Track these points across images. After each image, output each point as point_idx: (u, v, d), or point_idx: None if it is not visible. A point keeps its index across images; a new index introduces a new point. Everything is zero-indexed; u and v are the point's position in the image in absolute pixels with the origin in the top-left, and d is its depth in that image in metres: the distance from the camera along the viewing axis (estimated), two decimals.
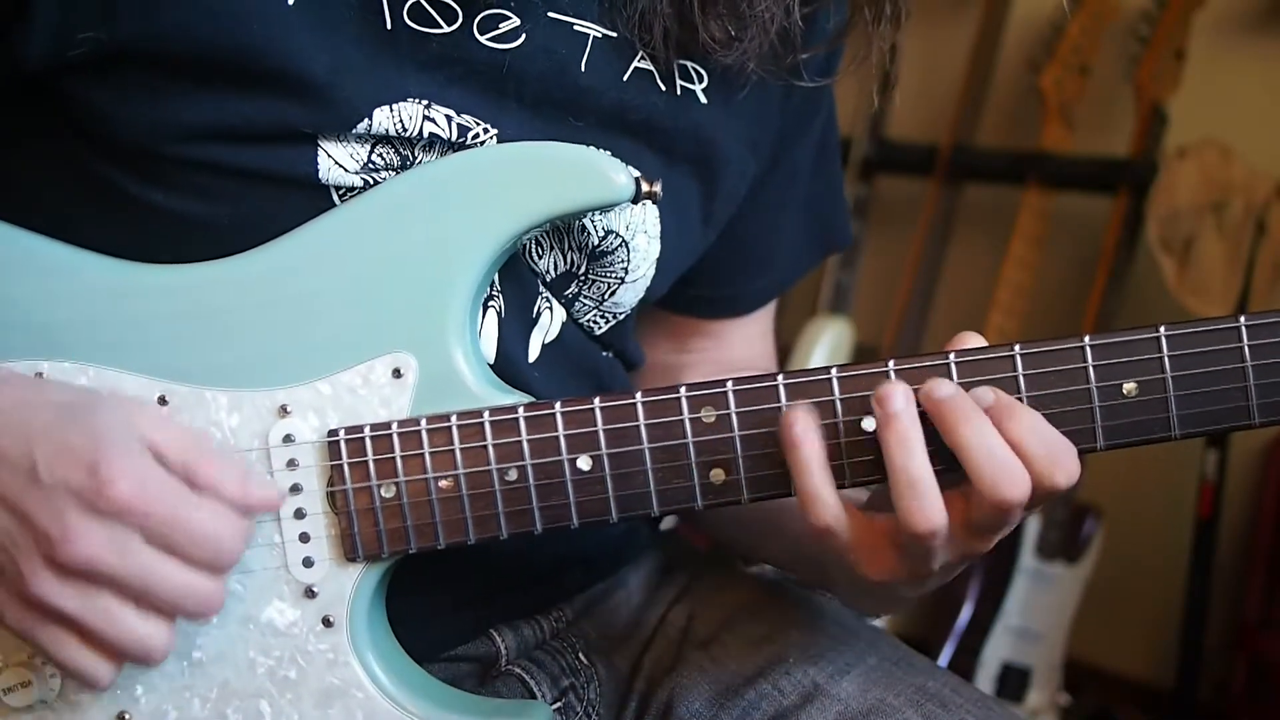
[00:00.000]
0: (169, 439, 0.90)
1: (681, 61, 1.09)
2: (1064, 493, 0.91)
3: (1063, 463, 0.90)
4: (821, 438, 0.91)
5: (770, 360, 1.40)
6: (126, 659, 0.91)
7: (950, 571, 0.97)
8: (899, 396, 0.90)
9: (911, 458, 0.89)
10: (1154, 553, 2.92)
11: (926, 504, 0.89)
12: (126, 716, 0.98)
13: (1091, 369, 0.93)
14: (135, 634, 0.89)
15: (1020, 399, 0.93)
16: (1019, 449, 0.89)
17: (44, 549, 0.86)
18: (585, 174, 0.98)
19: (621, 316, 1.17)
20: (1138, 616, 3.00)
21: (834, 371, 0.94)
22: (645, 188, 0.99)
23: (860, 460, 0.94)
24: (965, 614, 2.70)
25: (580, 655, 1.21)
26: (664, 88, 1.09)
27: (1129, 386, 0.93)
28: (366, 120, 0.98)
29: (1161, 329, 0.93)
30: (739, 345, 1.35)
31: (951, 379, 0.93)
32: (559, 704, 1.16)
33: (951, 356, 0.94)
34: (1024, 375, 0.93)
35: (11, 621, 0.89)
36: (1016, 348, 0.93)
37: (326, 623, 0.99)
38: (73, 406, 0.90)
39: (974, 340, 0.96)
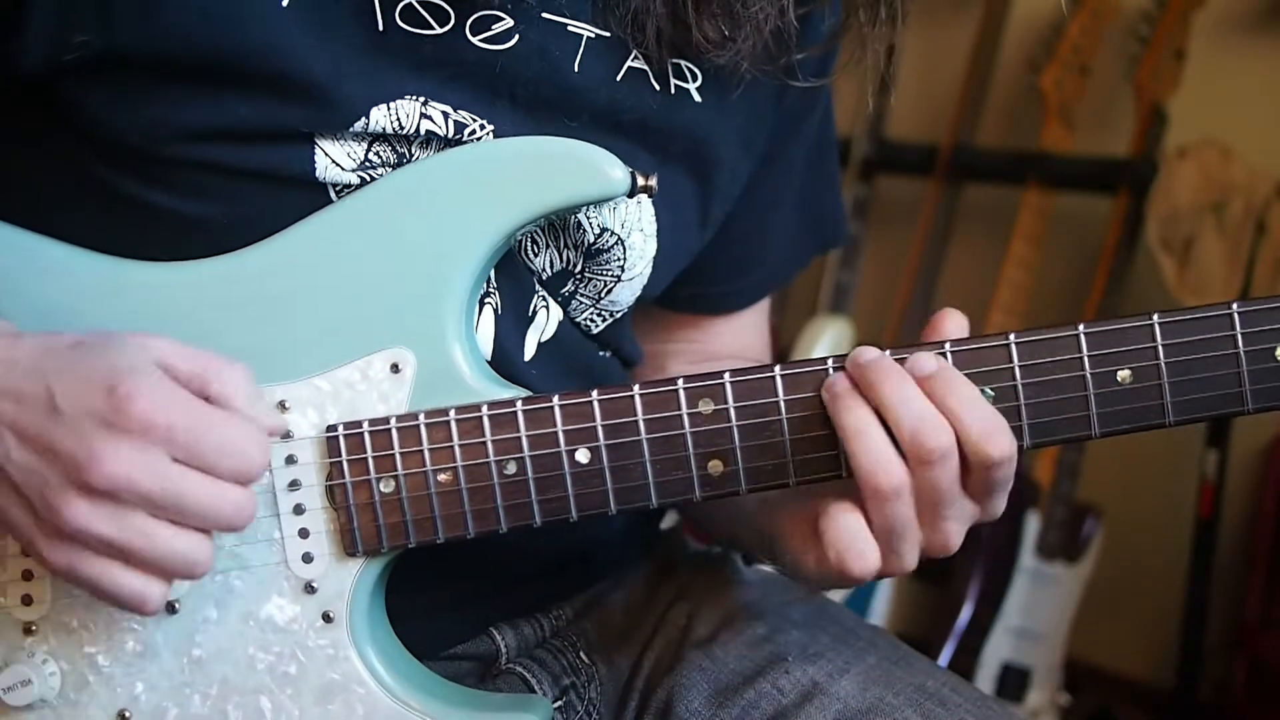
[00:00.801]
0: (179, 359, 0.89)
1: (675, 60, 1.09)
2: (999, 468, 0.92)
3: (995, 437, 0.91)
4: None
5: (763, 352, 1.40)
6: (171, 575, 0.90)
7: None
8: (841, 380, 0.93)
9: (860, 418, 0.91)
10: (1154, 553, 2.92)
11: (884, 458, 0.91)
12: (127, 714, 0.98)
13: (1086, 357, 0.94)
14: (175, 548, 0.88)
15: (1016, 387, 0.94)
16: (952, 416, 0.91)
17: (72, 476, 0.85)
18: (581, 168, 0.98)
19: (618, 315, 1.17)
20: (1138, 616, 3.00)
21: (830, 363, 0.95)
22: (641, 181, 0.99)
23: None
24: (965, 614, 2.70)
25: (581, 654, 1.21)
26: (658, 87, 1.09)
27: (1123, 374, 0.94)
28: (364, 119, 0.98)
29: (1155, 316, 0.93)
30: (729, 337, 1.35)
31: None
32: (560, 702, 1.16)
33: (948, 345, 0.94)
34: (1019, 364, 0.94)
35: (54, 561, 0.88)
36: (1012, 336, 0.94)
37: (326, 618, 0.99)
38: (84, 344, 0.89)
39: (955, 317, 0.97)
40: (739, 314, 1.35)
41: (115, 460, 0.85)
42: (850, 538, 0.92)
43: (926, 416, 0.90)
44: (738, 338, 1.35)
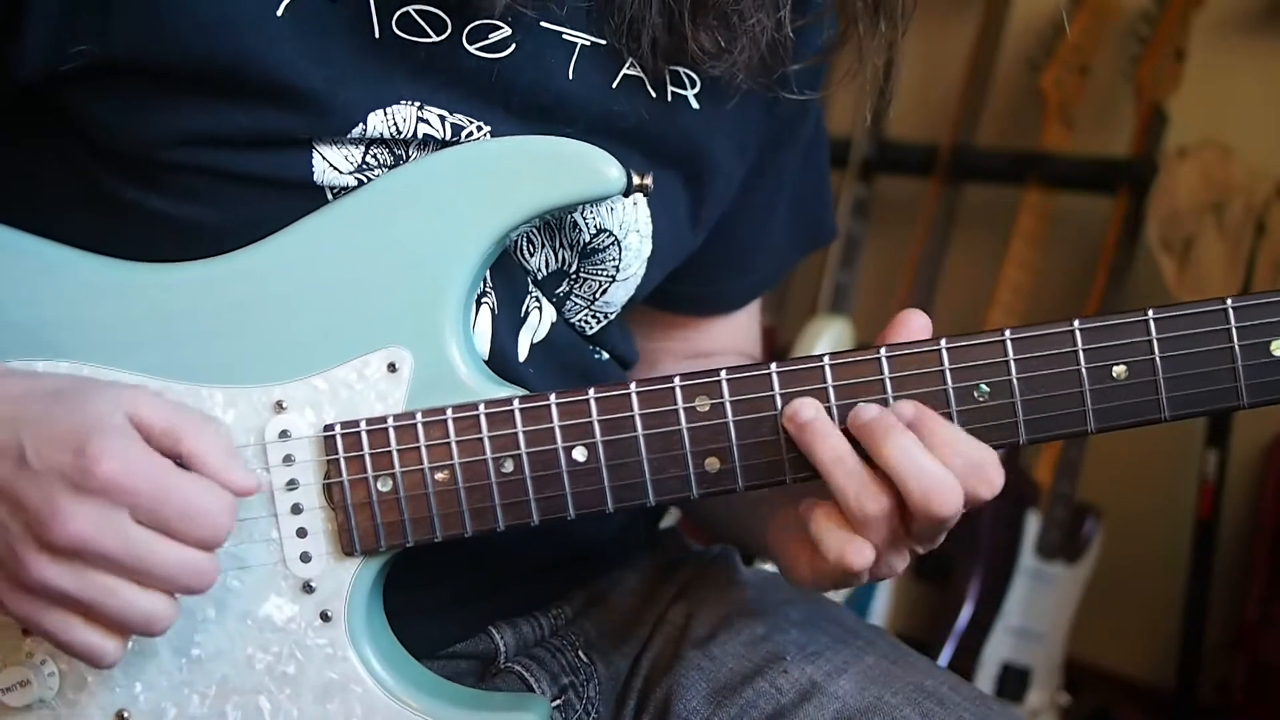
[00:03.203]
0: (153, 414, 0.90)
1: (673, 67, 1.09)
2: (989, 502, 0.93)
3: (986, 475, 0.92)
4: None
5: (753, 350, 1.40)
6: (131, 632, 0.91)
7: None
8: (808, 407, 0.94)
9: (834, 448, 0.92)
10: (1154, 553, 2.92)
11: (862, 486, 0.92)
12: (126, 714, 0.98)
13: (1081, 352, 0.94)
14: (137, 606, 0.89)
15: (1011, 382, 0.94)
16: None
17: (36, 531, 0.86)
18: (577, 167, 0.98)
19: (612, 316, 1.17)
20: (1138, 616, 3.00)
21: (826, 360, 0.95)
22: (636, 180, 0.99)
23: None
24: (965, 614, 2.70)
25: (580, 653, 1.21)
26: (654, 94, 1.09)
27: (1119, 369, 0.94)
28: (361, 125, 0.98)
29: (1150, 312, 0.93)
30: (720, 336, 1.35)
31: (942, 365, 0.94)
32: (558, 701, 1.16)
33: (943, 343, 0.94)
34: (1014, 360, 0.94)
35: (15, 610, 0.90)
36: (1007, 333, 0.94)
37: (324, 617, 0.99)
38: (61, 394, 0.90)
39: (917, 318, 0.98)
40: (730, 316, 1.35)
41: (77, 520, 0.86)
42: (847, 534, 0.92)
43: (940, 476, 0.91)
44: (729, 337, 1.36)
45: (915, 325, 0.98)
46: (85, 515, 0.86)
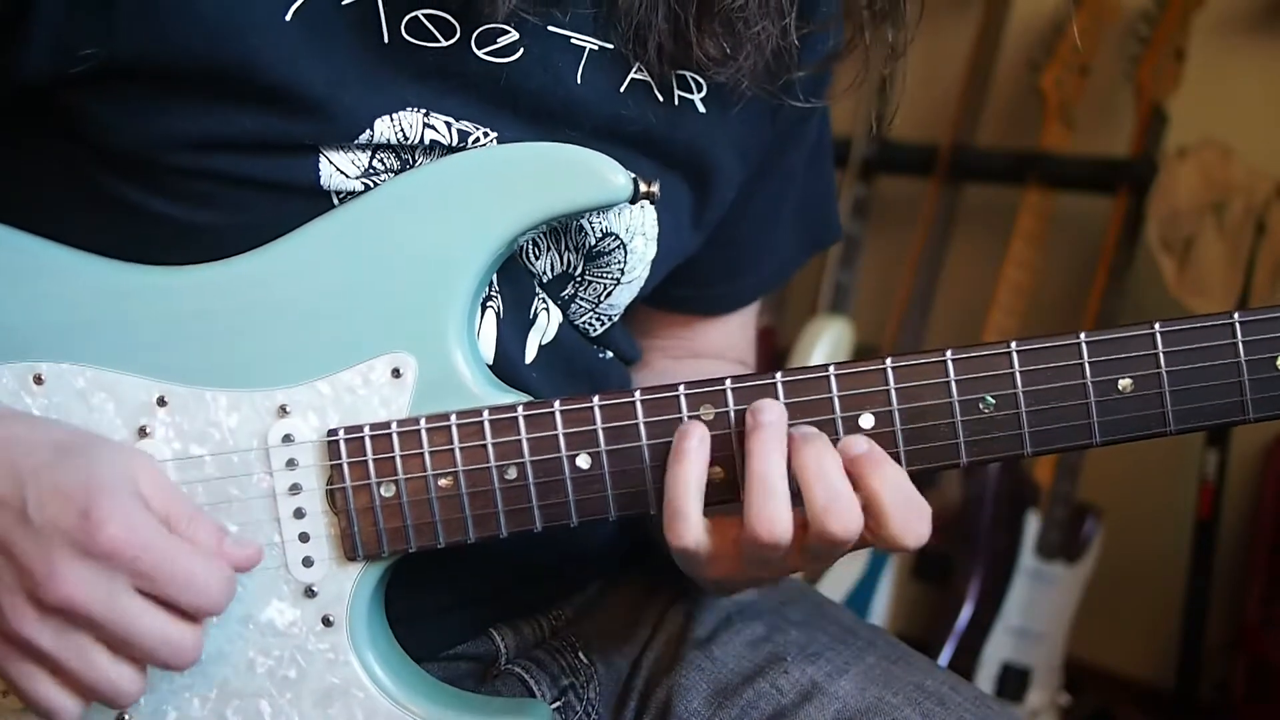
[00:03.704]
0: (155, 489, 0.91)
1: (679, 72, 1.09)
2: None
3: (914, 526, 0.92)
4: (705, 461, 0.94)
5: (748, 352, 1.40)
6: (94, 699, 0.92)
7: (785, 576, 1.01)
8: (773, 408, 0.93)
9: (770, 464, 0.92)
10: (1154, 553, 2.92)
11: (775, 509, 0.91)
12: (126, 717, 0.98)
13: (1087, 365, 0.94)
14: (107, 676, 0.90)
15: (1017, 395, 0.94)
16: (874, 499, 0.91)
17: (27, 586, 0.87)
18: (584, 174, 0.98)
19: (616, 317, 1.17)
20: (1138, 616, 3.00)
21: (831, 369, 0.95)
22: (643, 188, 0.99)
23: None
24: (965, 614, 2.70)
25: (580, 654, 1.21)
26: (661, 98, 1.09)
27: (1124, 383, 0.94)
28: (368, 131, 0.98)
29: (1157, 325, 0.93)
30: (716, 337, 1.35)
31: (948, 376, 0.94)
32: (559, 703, 1.16)
33: (949, 354, 0.94)
34: (1020, 372, 0.94)
35: None
36: (1013, 345, 0.94)
37: (326, 622, 0.99)
38: (66, 447, 0.91)
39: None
40: (728, 318, 1.35)
41: (74, 582, 0.86)
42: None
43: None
44: (724, 337, 1.36)
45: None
46: (81, 578, 0.86)
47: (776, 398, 0.95)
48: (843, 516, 0.90)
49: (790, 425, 0.94)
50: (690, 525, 0.94)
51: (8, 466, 0.89)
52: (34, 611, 0.87)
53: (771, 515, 0.91)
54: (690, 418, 0.95)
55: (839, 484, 0.91)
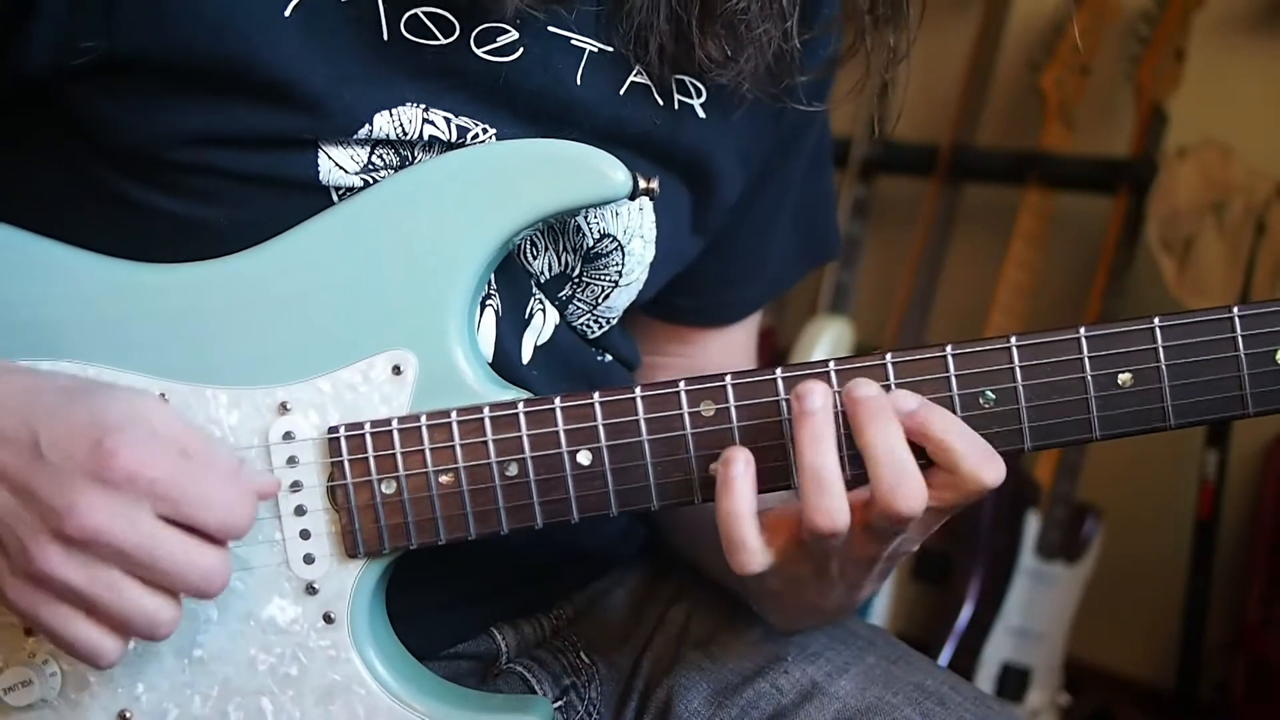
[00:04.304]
0: (167, 423, 0.90)
1: (679, 76, 1.09)
2: (993, 490, 0.92)
3: (988, 466, 0.91)
4: (754, 487, 0.92)
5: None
6: (133, 633, 0.91)
7: (856, 579, 0.98)
8: (816, 395, 0.91)
9: (821, 455, 0.90)
10: (1154, 553, 2.92)
11: (831, 502, 0.89)
12: (127, 715, 0.98)
13: (1087, 360, 0.94)
14: (142, 607, 0.89)
15: (1017, 389, 0.94)
16: (944, 448, 0.90)
17: (50, 523, 0.86)
18: (583, 170, 0.98)
19: (614, 320, 1.17)
20: (1138, 616, 3.00)
21: (831, 364, 0.95)
22: (642, 184, 0.99)
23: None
24: (965, 614, 2.70)
25: (581, 654, 1.21)
26: (661, 102, 1.09)
27: (1124, 377, 0.94)
28: (367, 126, 0.98)
29: (1156, 320, 0.93)
30: (718, 354, 1.34)
31: (947, 371, 0.94)
32: (560, 702, 1.16)
33: (949, 349, 0.94)
34: (1020, 366, 0.94)
35: (16, 601, 0.89)
36: (1013, 339, 0.94)
37: (328, 619, 0.99)
38: (71, 390, 0.90)
39: None
40: (729, 329, 1.34)
41: (93, 512, 0.86)
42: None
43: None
44: (726, 355, 1.35)
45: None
46: (103, 506, 0.86)
47: (776, 394, 0.95)
48: (910, 495, 0.89)
49: (841, 387, 0.93)
50: (753, 553, 0.92)
51: (18, 411, 0.88)
52: (60, 547, 0.87)
53: (828, 506, 0.89)
54: (691, 414, 0.95)
55: (906, 461, 0.89)
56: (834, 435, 0.91)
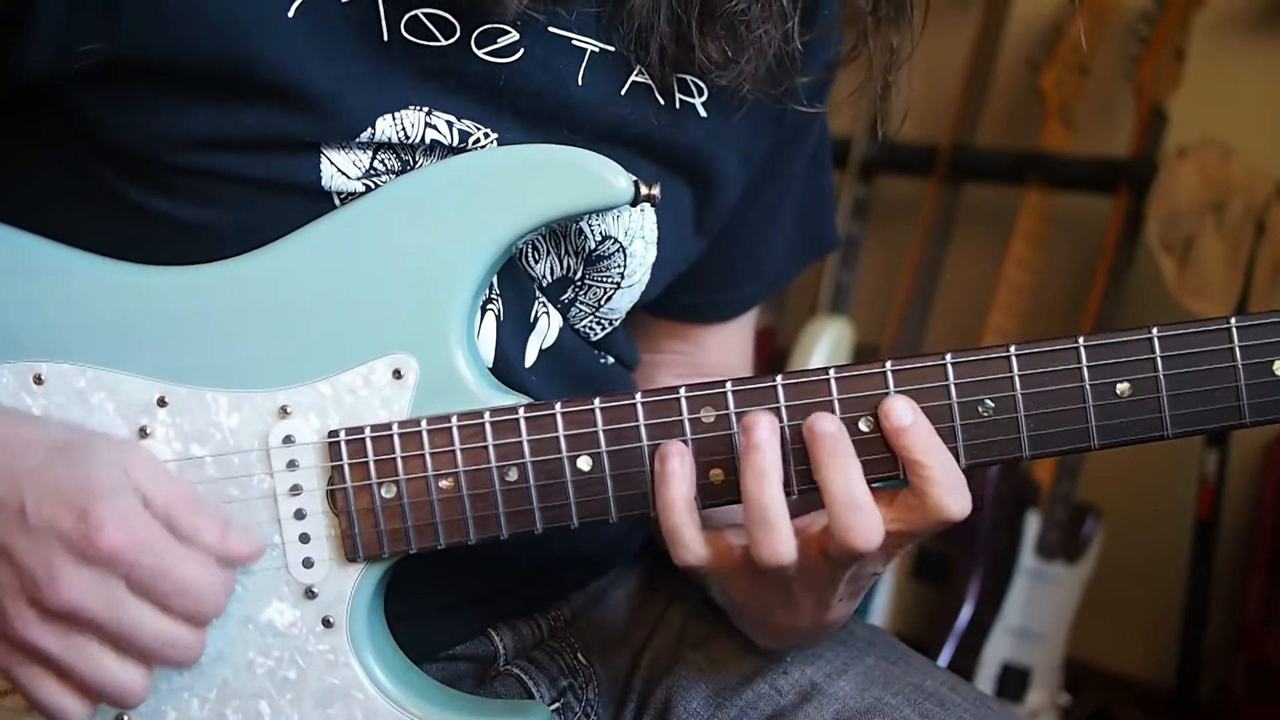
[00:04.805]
0: (155, 486, 0.91)
1: (680, 76, 1.09)
2: (956, 522, 0.93)
3: (956, 497, 0.92)
4: (690, 479, 0.93)
5: (747, 367, 1.40)
6: (102, 701, 0.92)
7: (822, 597, 0.99)
8: (764, 427, 0.91)
9: (764, 491, 0.91)
10: (1154, 553, 2.92)
11: (774, 539, 0.91)
12: (125, 717, 0.98)
13: (1085, 369, 0.94)
14: (114, 677, 0.90)
15: (1015, 398, 0.94)
16: (920, 470, 0.91)
17: (29, 591, 0.87)
18: (585, 176, 0.98)
19: (616, 322, 1.17)
20: (1138, 616, 3.00)
21: (832, 372, 0.94)
22: (644, 190, 0.99)
23: (865, 459, 0.94)
24: (965, 614, 2.70)
25: (579, 655, 1.21)
26: (662, 102, 1.09)
27: (1122, 387, 0.94)
28: (370, 129, 0.98)
29: (1154, 330, 0.94)
30: (715, 350, 1.35)
31: (947, 380, 0.94)
32: (557, 704, 1.16)
33: (948, 357, 0.94)
34: (1019, 375, 0.94)
35: None
36: (1012, 349, 0.94)
37: (326, 623, 0.99)
38: (63, 447, 0.91)
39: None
40: (727, 326, 1.34)
41: (73, 587, 0.87)
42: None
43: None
44: (724, 352, 1.35)
45: None
46: (82, 582, 0.87)
47: (776, 400, 0.95)
48: (866, 533, 0.90)
49: (798, 420, 0.94)
50: (688, 545, 0.94)
51: (5, 470, 0.89)
52: (37, 616, 0.88)
53: (771, 541, 0.90)
54: (691, 420, 0.95)
55: (862, 500, 0.90)
56: (779, 470, 0.91)
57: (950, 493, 0.91)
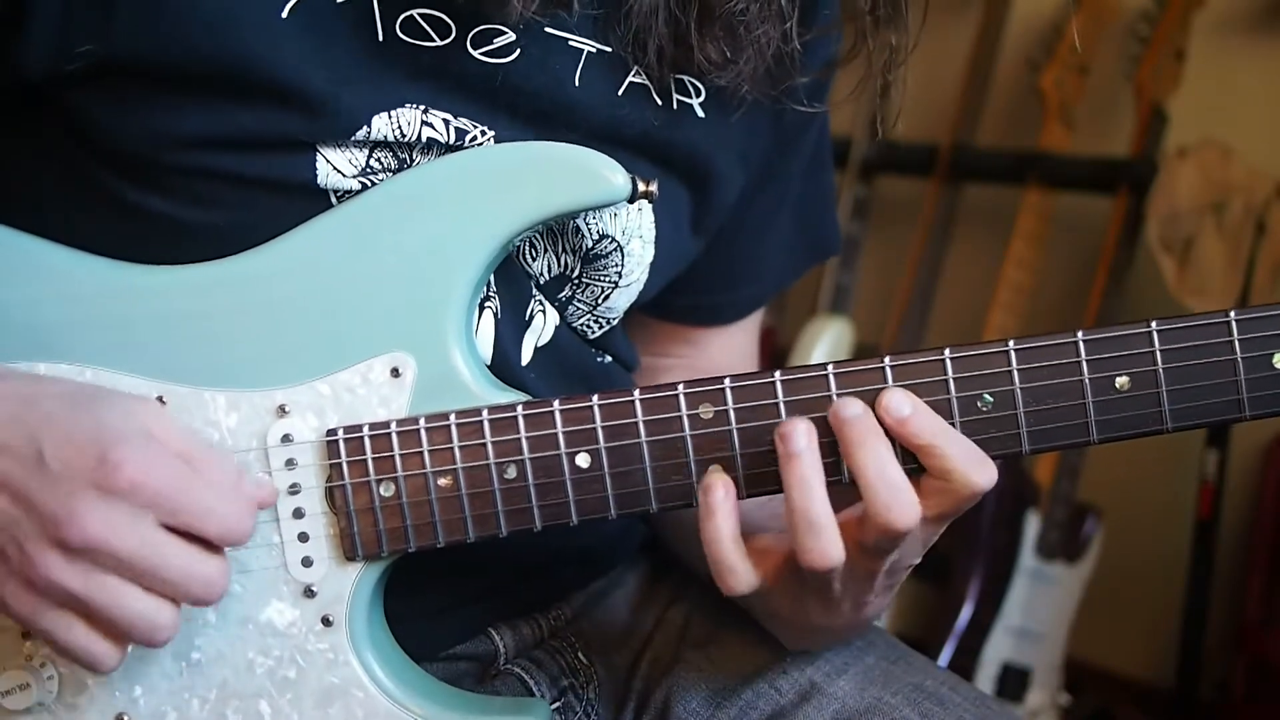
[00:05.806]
0: (167, 431, 0.90)
1: (678, 76, 1.09)
2: (991, 491, 0.93)
3: (980, 469, 0.92)
4: (735, 511, 0.93)
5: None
6: (132, 640, 0.91)
7: (859, 596, 0.98)
8: (800, 435, 0.91)
9: (810, 500, 0.90)
10: (1154, 553, 2.92)
11: (823, 543, 0.90)
12: (125, 718, 0.98)
13: (1084, 363, 0.94)
14: (141, 613, 0.89)
15: (1014, 393, 0.94)
16: (936, 455, 0.91)
17: (51, 531, 0.86)
18: (582, 173, 0.98)
19: (614, 321, 1.17)
20: (1138, 616, 3.00)
21: (830, 368, 0.94)
22: (641, 187, 0.99)
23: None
24: (965, 614, 2.71)
25: (579, 654, 1.21)
26: (660, 102, 1.08)
27: (1121, 381, 0.94)
28: (365, 128, 0.98)
29: (1153, 324, 0.93)
30: (719, 354, 1.34)
31: (946, 375, 0.94)
32: (558, 704, 1.16)
33: (947, 352, 0.94)
34: (1018, 370, 0.94)
35: (16, 608, 0.89)
36: (1011, 343, 0.94)
37: (326, 622, 0.99)
38: (73, 397, 0.91)
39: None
40: (730, 329, 1.34)
41: (94, 521, 0.86)
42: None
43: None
44: (727, 356, 1.35)
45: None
46: (104, 515, 0.86)
47: (775, 397, 0.95)
48: (904, 511, 0.90)
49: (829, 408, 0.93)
50: (740, 575, 0.93)
51: (19, 419, 0.88)
52: (60, 555, 0.87)
53: (820, 547, 0.90)
54: (689, 416, 0.95)
55: (897, 479, 0.90)
56: (821, 476, 0.91)
57: (971, 466, 0.91)
